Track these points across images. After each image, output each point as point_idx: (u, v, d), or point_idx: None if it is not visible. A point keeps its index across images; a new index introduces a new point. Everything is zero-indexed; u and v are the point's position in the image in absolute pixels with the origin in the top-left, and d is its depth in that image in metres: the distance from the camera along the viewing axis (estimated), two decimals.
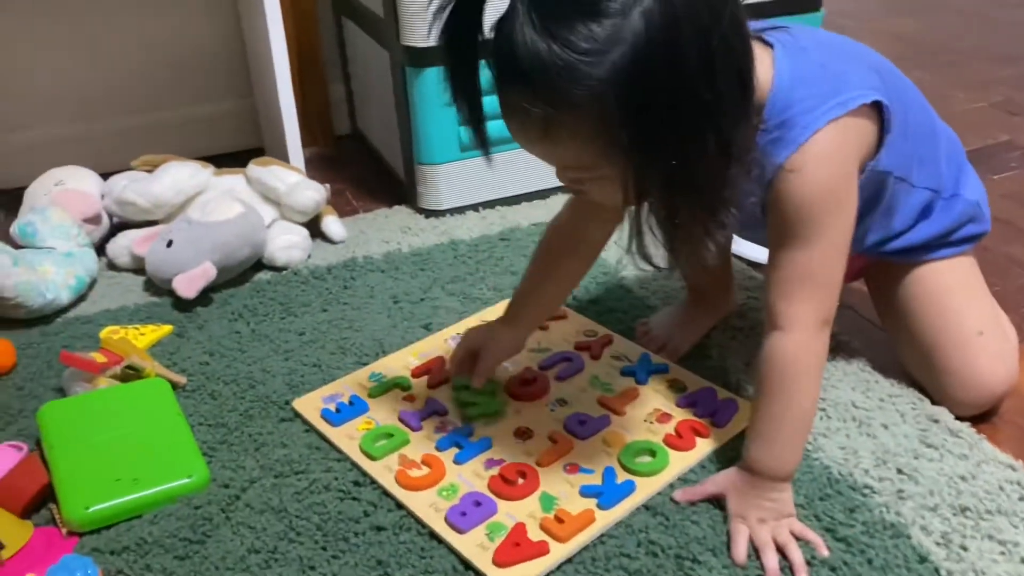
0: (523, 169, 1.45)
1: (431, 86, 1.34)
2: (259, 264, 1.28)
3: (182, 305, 1.19)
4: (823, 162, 0.76)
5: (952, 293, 0.94)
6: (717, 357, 1.05)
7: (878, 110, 0.79)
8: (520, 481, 0.86)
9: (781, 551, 0.78)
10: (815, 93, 0.77)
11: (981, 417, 0.95)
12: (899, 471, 0.87)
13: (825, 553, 0.77)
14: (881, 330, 1.05)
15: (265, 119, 1.66)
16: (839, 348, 1.05)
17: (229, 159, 1.57)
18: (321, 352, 1.09)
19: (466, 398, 0.96)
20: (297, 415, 0.98)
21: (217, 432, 0.96)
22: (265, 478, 0.89)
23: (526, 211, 1.44)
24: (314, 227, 1.36)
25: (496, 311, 1.15)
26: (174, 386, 1.02)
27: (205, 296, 1.20)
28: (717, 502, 0.84)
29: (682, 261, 0.72)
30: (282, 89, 1.38)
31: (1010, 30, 2.41)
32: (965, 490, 0.84)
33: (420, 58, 1.32)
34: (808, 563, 0.77)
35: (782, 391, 0.80)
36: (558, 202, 1.45)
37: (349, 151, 1.78)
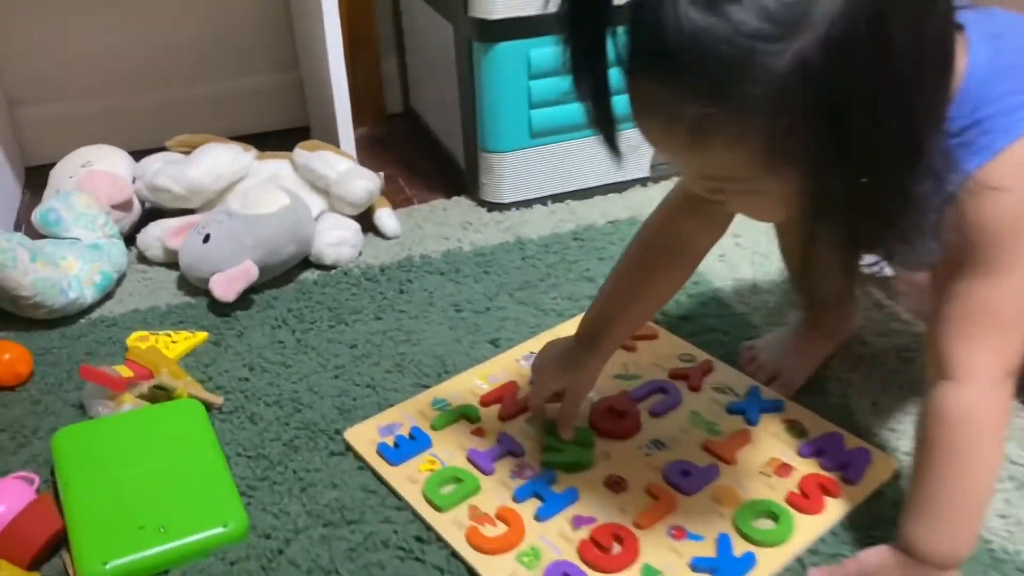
0: (596, 158, 1.29)
1: (501, 63, 1.18)
2: (305, 262, 1.14)
3: (219, 308, 1.06)
4: (1021, 174, 0.61)
5: None
6: (838, 394, 0.90)
7: None
8: (616, 548, 0.72)
9: None
10: (1016, 89, 0.61)
11: None
12: None
13: None
14: None
15: (312, 95, 1.52)
16: None
17: (272, 139, 1.44)
18: (375, 370, 0.95)
19: (552, 443, 0.81)
20: (349, 448, 0.84)
21: (258, 466, 0.83)
22: (313, 528, 0.76)
23: (599, 206, 1.29)
24: (365, 220, 1.22)
25: (571, 326, 1.00)
26: (208, 407, 0.88)
27: (245, 298, 1.06)
28: None
29: (859, 287, 0.57)
30: (333, 65, 1.23)
31: None
32: None
33: (490, 32, 1.16)
34: None
35: (954, 457, 0.64)
36: (636, 196, 1.30)
37: (401, 131, 1.63)
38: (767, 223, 0.60)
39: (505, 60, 1.18)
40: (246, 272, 1.03)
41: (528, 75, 1.19)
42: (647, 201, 1.29)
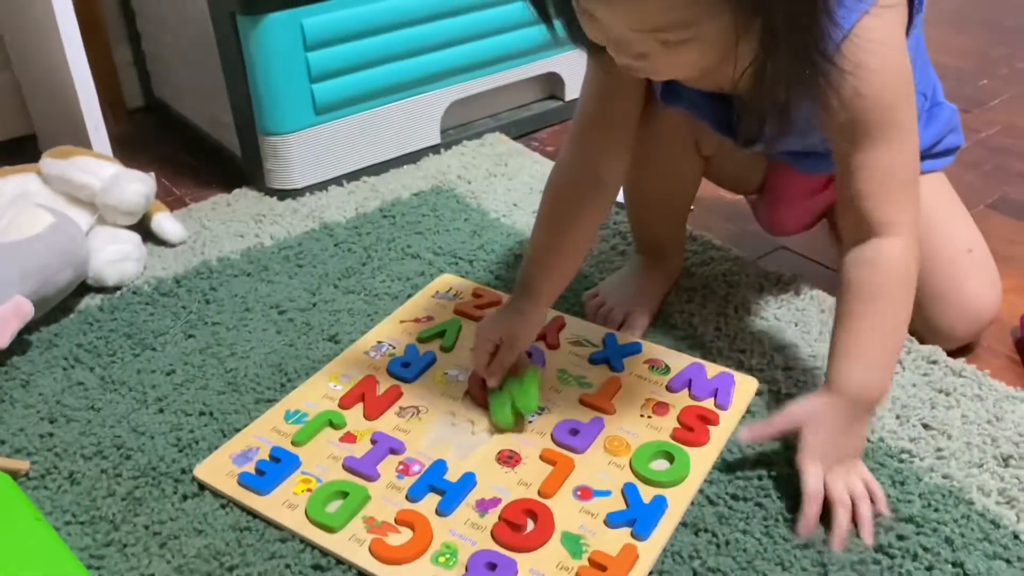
0: (388, 130, 1.23)
1: (273, 37, 1.08)
2: (82, 287, 0.98)
3: None
4: (887, 42, 0.67)
5: (935, 211, 0.87)
6: (684, 326, 0.93)
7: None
8: (530, 524, 0.69)
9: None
10: None
11: (965, 350, 0.90)
12: (925, 426, 0.79)
13: (887, 513, 0.69)
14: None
15: (37, 98, 1.30)
16: (799, 294, 0.96)
17: None
18: (205, 394, 0.84)
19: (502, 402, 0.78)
20: (203, 487, 0.74)
21: (97, 531, 0.70)
22: None
23: (398, 179, 1.23)
24: (140, 229, 1.07)
25: (416, 306, 0.95)
26: (14, 476, 0.73)
27: (19, 340, 0.89)
28: (760, 505, 0.71)
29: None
30: (72, 55, 1.06)
31: None
32: (998, 436, 0.78)
33: (255, 3, 1.05)
34: (887, 553, 0.67)
35: (883, 299, 0.71)
36: (432, 164, 1.26)
37: (148, 127, 1.46)
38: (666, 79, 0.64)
39: (276, 33, 1.08)
40: (18, 309, 0.86)
41: (304, 47, 1.10)
42: (444, 168, 1.25)
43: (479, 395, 0.81)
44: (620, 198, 0.96)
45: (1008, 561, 0.67)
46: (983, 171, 1.25)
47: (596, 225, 0.83)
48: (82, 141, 1.13)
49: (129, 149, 1.36)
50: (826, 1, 0.58)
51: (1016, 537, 0.68)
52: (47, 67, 1.16)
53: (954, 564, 0.66)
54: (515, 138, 1.34)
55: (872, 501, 0.69)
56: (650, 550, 0.67)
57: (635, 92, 0.78)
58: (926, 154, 0.87)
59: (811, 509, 0.67)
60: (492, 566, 0.65)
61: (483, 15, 1.22)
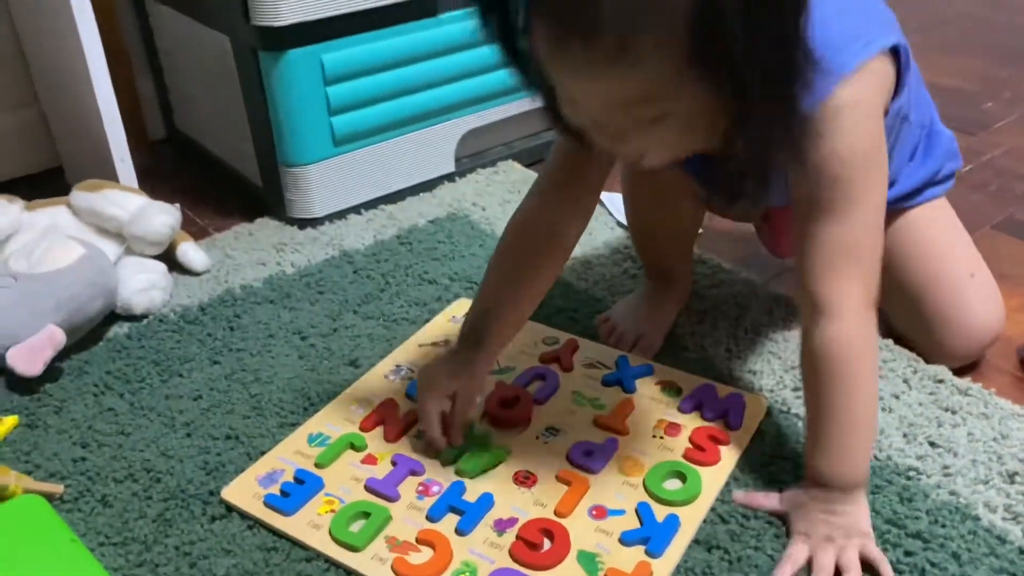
0: (405, 160, 1.26)
1: (293, 72, 1.12)
2: (110, 316, 1.02)
3: (22, 386, 0.91)
4: (857, 116, 0.66)
5: (941, 236, 0.90)
6: (695, 348, 0.95)
7: (894, 52, 0.70)
8: (547, 543, 0.71)
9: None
10: (842, 32, 0.65)
11: (970, 367, 0.92)
12: (932, 444, 0.81)
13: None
14: None
15: (64, 131, 1.35)
16: None
17: (18, 188, 1.25)
18: (231, 418, 0.87)
19: (458, 452, 0.79)
20: (231, 508, 0.77)
21: (130, 552, 0.73)
22: None
23: (415, 207, 1.26)
24: (166, 259, 1.10)
25: (434, 330, 0.98)
26: (49, 499, 0.76)
27: (51, 368, 0.92)
28: (770, 523, 0.73)
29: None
30: (100, 89, 1.10)
31: None
32: (1004, 453, 0.79)
33: (277, 39, 1.09)
34: (896, 569, 0.68)
35: (840, 388, 0.70)
36: (447, 192, 1.29)
37: (169, 159, 1.50)
38: (655, 165, 0.63)
39: (297, 68, 1.11)
40: (52, 338, 0.89)
41: (324, 81, 1.14)
42: (459, 195, 1.28)
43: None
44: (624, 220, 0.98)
45: (1014, 575, 0.68)
46: (988, 192, 1.28)
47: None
48: (108, 173, 1.16)
49: (152, 180, 1.39)
50: (803, 72, 0.57)
51: (1022, 552, 0.70)
52: (74, 101, 1.20)
53: None
54: (527, 165, 1.37)
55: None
56: (664, 567, 0.69)
57: (606, 161, 0.77)
58: (930, 182, 0.89)
59: (783, 569, 0.68)
60: None
61: (495, 48, 1.26)
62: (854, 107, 0.66)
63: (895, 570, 0.69)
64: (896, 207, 0.88)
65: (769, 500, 0.74)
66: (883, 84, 0.70)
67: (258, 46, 1.11)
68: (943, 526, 0.72)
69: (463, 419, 0.79)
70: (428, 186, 1.30)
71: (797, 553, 0.69)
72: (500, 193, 1.28)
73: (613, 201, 1.22)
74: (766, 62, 0.55)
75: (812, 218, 0.68)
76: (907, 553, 0.70)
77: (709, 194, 0.80)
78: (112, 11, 1.37)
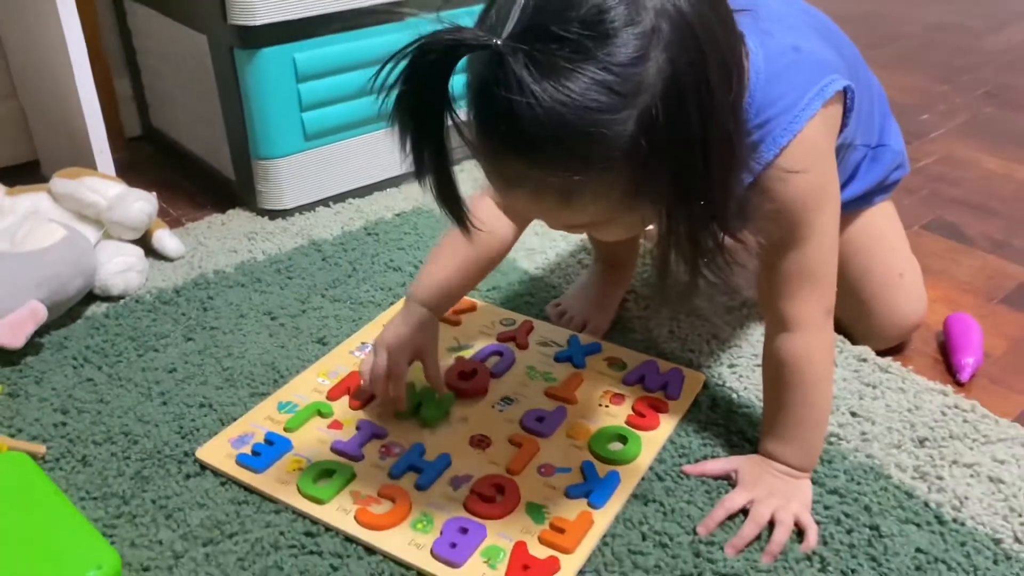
0: (373, 155, 1.33)
1: (268, 69, 1.18)
2: (88, 296, 1.07)
3: (5, 358, 0.96)
4: (809, 160, 0.72)
5: (881, 238, 0.97)
6: (641, 328, 1.02)
7: (843, 91, 0.76)
8: (499, 496, 0.78)
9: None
10: (793, 86, 0.71)
11: (895, 350, 1.00)
12: (853, 414, 0.88)
13: (811, 545, 0.74)
14: None
15: (42, 124, 1.39)
16: (745, 305, 1.05)
17: None
18: (205, 388, 0.93)
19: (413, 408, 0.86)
20: (205, 467, 0.82)
21: (109, 505, 0.78)
22: (193, 549, 0.73)
23: (383, 201, 1.32)
24: (142, 245, 1.15)
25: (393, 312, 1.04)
26: (32, 458, 0.81)
27: (32, 343, 0.97)
28: (703, 481, 0.80)
29: (709, 279, 0.65)
30: (82, 83, 1.15)
31: None
32: (916, 421, 0.87)
33: (253, 38, 1.15)
34: (815, 520, 0.75)
35: (797, 388, 0.77)
36: (414, 189, 1.33)
37: (145, 154, 1.55)
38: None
39: (271, 65, 1.18)
40: (34, 313, 0.94)
41: (296, 79, 1.20)
42: (425, 191, 1.34)
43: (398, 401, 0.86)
44: None
45: (918, 525, 0.76)
46: (920, 196, 1.37)
47: (494, 265, 0.89)
48: (87, 165, 1.21)
49: (129, 175, 1.43)
50: (733, 189, 0.61)
51: (926, 505, 0.78)
52: (54, 96, 1.25)
53: (871, 527, 0.75)
54: None
55: (802, 538, 0.74)
56: (604, 517, 0.76)
57: None
58: (876, 188, 0.96)
59: (716, 513, 0.75)
60: (464, 530, 0.74)
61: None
62: (806, 153, 0.71)
63: (816, 520, 0.76)
64: (844, 211, 0.95)
65: (718, 463, 0.81)
66: (831, 126, 0.76)
67: (234, 44, 1.17)
68: (858, 483, 0.80)
69: (439, 374, 0.87)
70: (395, 182, 1.36)
71: (732, 501, 0.76)
72: (464, 189, 1.34)
73: None
74: (696, 195, 0.59)
75: (773, 248, 0.74)
76: (825, 507, 0.77)
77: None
78: (91, 11, 1.42)
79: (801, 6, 0.84)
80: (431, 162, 0.58)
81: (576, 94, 0.52)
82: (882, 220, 0.98)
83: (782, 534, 0.74)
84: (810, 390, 0.77)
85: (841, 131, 0.78)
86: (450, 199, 0.61)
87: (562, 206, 0.59)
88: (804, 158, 0.70)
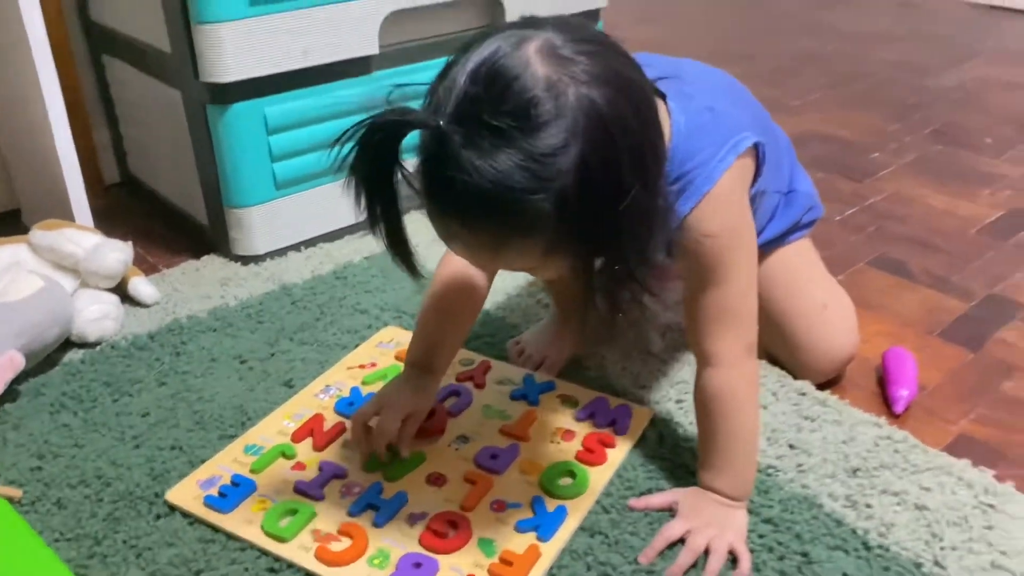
0: (342, 202, 1.37)
1: (239, 123, 1.23)
2: (65, 343, 1.11)
3: None
4: (726, 206, 0.79)
5: (798, 272, 1.03)
6: (594, 367, 1.07)
7: (755, 146, 0.84)
8: (452, 532, 0.82)
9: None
10: (709, 143, 0.79)
11: (833, 383, 1.05)
12: (791, 446, 0.94)
13: (744, 573, 0.78)
14: None
15: (22, 173, 1.44)
16: None
17: None
18: (176, 431, 0.97)
19: (379, 463, 0.90)
20: (174, 508, 0.86)
21: (82, 546, 0.82)
22: None
23: (352, 245, 1.38)
24: (118, 292, 1.20)
25: (361, 355, 1.09)
26: (10, 502, 0.85)
27: (10, 390, 1.02)
28: (646, 513, 0.85)
29: (629, 321, 0.73)
30: (59, 136, 1.20)
31: (739, 31, 2.69)
32: (850, 453, 0.92)
33: (224, 94, 1.21)
34: (749, 548, 0.80)
35: (725, 421, 0.83)
36: None
37: (123, 201, 1.60)
38: None
39: (242, 119, 1.23)
40: (11, 362, 0.99)
41: (267, 131, 1.26)
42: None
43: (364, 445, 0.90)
44: None
45: (846, 551, 0.81)
46: (867, 233, 1.43)
47: (477, 311, 0.95)
48: (65, 214, 1.26)
49: (107, 221, 1.49)
50: (647, 255, 0.67)
51: (854, 532, 0.83)
52: (34, 147, 1.30)
53: (801, 554, 0.80)
54: None
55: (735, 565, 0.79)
56: (551, 549, 0.80)
57: None
58: (792, 228, 1.03)
59: (656, 543, 0.80)
60: (417, 565, 0.78)
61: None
62: (723, 200, 0.79)
63: (749, 548, 0.80)
64: (762, 250, 1.02)
65: (660, 497, 0.86)
66: (745, 176, 0.83)
67: (206, 100, 1.22)
68: (791, 512, 0.85)
69: (411, 434, 0.91)
70: (364, 226, 1.40)
71: (671, 530, 0.81)
72: (431, 233, 1.39)
73: None
74: (611, 258, 0.67)
75: (695, 288, 0.81)
76: (760, 536, 0.82)
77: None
78: (71, 64, 1.48)
79: (716, 73, 0.92)
80: (383, 217, 0.67)
81: (503, 174, 0.60)
82: (798, 255, 1.04)
83: (716, 562, 0.78)
84: (734, 422, 0.83)
85: (755, 181, 0.86)
86: (399, 248, 0.69)
87: (492, 258, 0.69)
88: (722, 204, 0.78)
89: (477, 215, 0.63)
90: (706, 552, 0.80)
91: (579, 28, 0.66)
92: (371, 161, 0.63)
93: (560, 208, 0.61)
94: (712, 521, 0.81)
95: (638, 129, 0.64)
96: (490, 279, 0.94)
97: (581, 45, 0.63)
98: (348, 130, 0.62)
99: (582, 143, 0.61)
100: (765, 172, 0.86)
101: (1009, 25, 2.60)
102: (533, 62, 0.61)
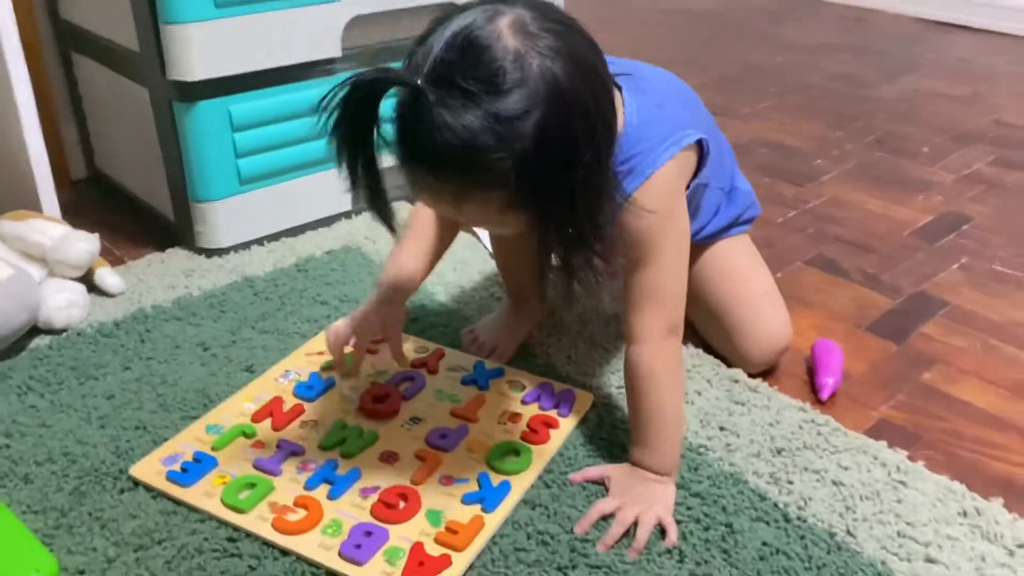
0: (305, 198, 1.43)
1: (204, 120, 1.28)
2: (32, 330, 1.15)
3: None
4: (663, 192, 0.87)
5: (740, 263, 1.11)
6: (542, 355, 1.13)
7: (698, 143, 0.91)
8: (402, 503, 0.88)
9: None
10: (657, 133, 0.87)
11: (767, 373, 1.12)
12: (721, 428, 1.00)
13: (672, 542, 0.85)
14: None
15: None
16: None
17: None
18: (140, 413, 1.01)
19: (335, 440, 0.95)
20: (138, 483, 0.91)
21: (49, 517, 0.86)
22: (124, 555, 0.82)
23: (314, 240, 1.43)
24: (85, 282, 1.24)
25: (320, 342, 1.14)
26: None
27: None
28: (584, 487, 0.91)
29: (580, 287, 0.79)
30: (29, 131, 1.24)
31: (694, 42, 2.77)
32: (776, 434, 0.99)
33: (190, 92, 1.26)
34: (676, 520, 0.87)
35: (647, 397, 0.89)
36: (344, 228, 1.46)
37: (90, 196, 1.63)
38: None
39: (208, 117, 1.28)
40: None
41: (232, 128, 1.30)
42: (354, 231, 1.45)
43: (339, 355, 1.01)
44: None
45: (767, 523, 0.87)
46: (806, 234, 1.51)
47: (448, 243, 1.02)
48: (33, 208, 1.30)
49: (74, 215, 1.52)
50: (599, 219, 0.75)
51: (776, 505, 0.89)
52: (4, 142, 1.34)
53: (725, 525, 0.87)
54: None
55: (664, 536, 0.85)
56: (494, 519, 0.86)
57: None
58: (731, 225, 1.11)
59: (590, 514, 0.87)
60: (368, 533, 0.83)
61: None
62: (659, 188, 0.86)
63: (677, 519, 0.87)
64: (705, 242, 1.10)
65: (596, 470, 0.92)
66: (685, 169, 0.91)
67: (173, 98, 1.27)
68: (718, 488, 0.91)
69: (399, 345, 1.01)
70: (326, 222, 1.47)
71: (604, 505, 0.87)
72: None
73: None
74: (565, 220, 0.74)
75: (629, 268, 0.88)
76: (688, 508, 0.89)
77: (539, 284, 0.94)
78: (40, 61, 1.52)
79: (666, 75, 0.99)
80: (363, 173, 0.71)
81: (470, 132, 0.68)
82: (740, 248, 1.12)
83: (644, 533, 0.85)
84: (655, 401, 0.89)
85: (697, 174, 0.93)
86: (379, 204, 0.75)
87: (454, 209, 0.75)
88: (661, 188, 0.86)
89: (444, 166, 0.70)
90: (636, 524, 0.86)
91: (548, 9, 0.74)
92: (353, 117, 0.68)
93: (519, 168, 0.69)
94: (641, 497, 0.88)
95: (593, 103, 0.72)
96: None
97: (548, 24, 0.71)
98: (333, 88, 0.68)
99: (542, 110, 0.68)
100: (707, 166, 0.94)
101: (950, 39, 2.71)
102: (504, 35, 0.69)
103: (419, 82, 0.68)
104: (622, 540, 0.85)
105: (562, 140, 0.70)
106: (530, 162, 0.69)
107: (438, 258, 1.02)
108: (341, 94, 0.67)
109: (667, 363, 0.90)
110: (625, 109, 0.86)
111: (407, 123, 0.70)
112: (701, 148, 0.93)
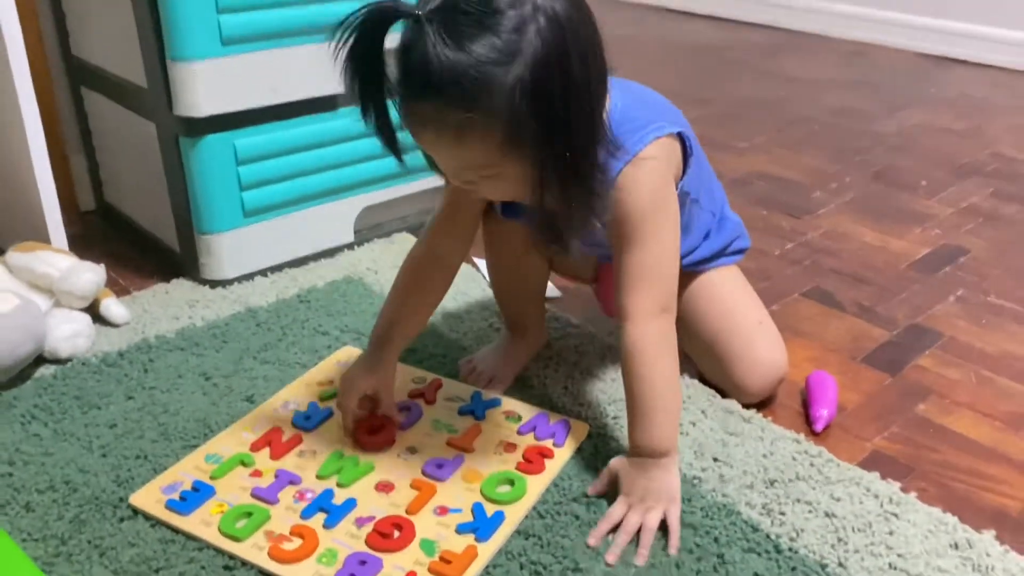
0: (308, 230, 1.45)
1: (210, 154, 1.31)
2: (38, 359, 1.17)
3: None
4: (653, 173, 0.90)
5: (732, 292, 1.13)
6: (539, 385, 1.15)
7: (681, 140, 0.95)
8: (396, 533, 0.89)
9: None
10: (641, 117, 0.91)
11: (762, 404, 1.13)
12: (715, 459, 1.01)
13: (672, 551, 0.87)
14: None
15: (0, 200, 1.50)
16: None
17: None
18: (142, 442, 1.03)
19: (332, 470, 0.97)
20: (138, 511, 0.92)
21: (49, 545, 0.88)
22: None
23: (316, 271, 1.45)
24: (91, 312, 1.26)
25: (320, 372, 1.15)
26: None
27: None
28: (577, 517, 0.92)
29: (575, 236, 0.85)
30: (38, 164, 1.27)
31: (694, 76, 2.81)
32: (769, 465, 1.00)
33: (196, 127, 1.29)
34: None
35: (640, 375, 0.92)
36: (346, 259, 1.48)
37: (98, 228, 1.66)
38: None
39: (213, 151, 1.31)
40: None
41: (237, 162, 1.33)
42: (356, 261, 1.47)
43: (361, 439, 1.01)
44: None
45: (758, 553, 0.88)
46: (803, 266, 1.52)
47: (441, 297, 1.05)
48: (42, 239, 1.32)
49: (82, 246, 1.56)
50: (595, 160, 0.81)
51: (768, 537, 0.90)
52: (14, 174, 1.37)
53: (718, 556, 0.88)
54: None
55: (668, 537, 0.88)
56: (488, 549, 0.87)
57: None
58: (721, 253, 1.13)
59: (601, 526, 0.89)
60: (363, 563, 0.85)
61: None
62: (646, 168, 0.90)
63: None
64: (695, 269, 1.11)
65: (604, 475, 0.95)
66: (670, 155, 0.94)
67: (180, 133, 1.30)
68: (711, 518, 0.92)
69: (391, 407, 1.02)
70: (329, 253, 1.49)
71: (615, 513, 0.90)
72: (393, 259, 1.48)
73: (484, 266, 1.42)
74: (560, 155, 0.79)
75: (620, 249, 0.92)
76: (681, 539, 0.90)
77: (538, 239, 0.99)
78: (50, 95, 1.55)
79: (655, 93, 1.02)
80: (372, 99, 0.79)
81: (472, 51, 0.73)
82: (731, 279, 1.14)
83: (647, 538, 0.88)
84: (648, 372, 0.91)
85: (684, 173, 0.97)
86: (385, 131, 0.82)
87: (457, 142, 0.78)
88: (650, 168, 0.89)
89: (448, 91, 0.74)
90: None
91: None
92: (362, 43, 0.75)
93: (519, 89, 0.74)
94: (647, 492, 0.90)
95: (587, 33, 0.78)
96: (465, 245, 1.03)
97: None
98: (346, 17, 0.75)
99: (538, 34, 0.74)
100: (692, 172, 0.97)
101: (950, 74, 2.74)
102: None
103: (422, 13, 0.73)
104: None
105: (559, 62, 0.75)
106: (529, 87, 0.74)
107: (432, 305, 1.05)
108: (354, 21, 0.74)
109: (661, 339, 0.92)
110: (612, 100, 0.88)
111: (410, 57, 0.75)
112: (685, 148, 0.96)
